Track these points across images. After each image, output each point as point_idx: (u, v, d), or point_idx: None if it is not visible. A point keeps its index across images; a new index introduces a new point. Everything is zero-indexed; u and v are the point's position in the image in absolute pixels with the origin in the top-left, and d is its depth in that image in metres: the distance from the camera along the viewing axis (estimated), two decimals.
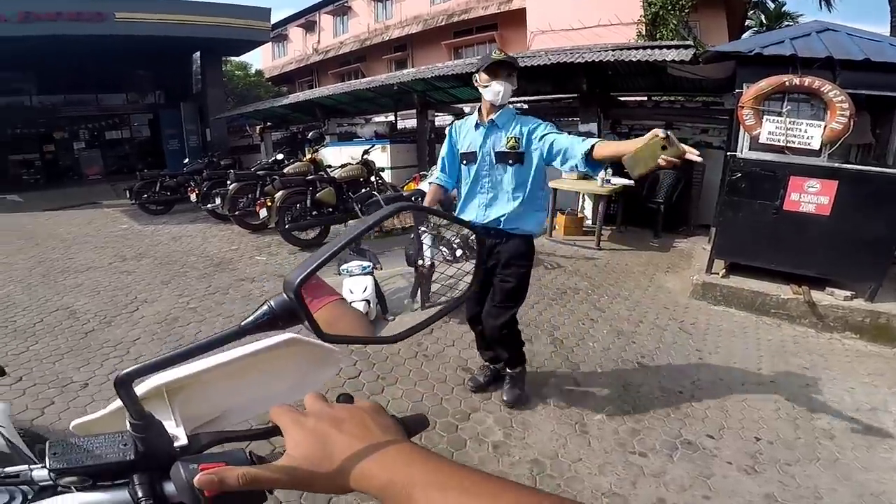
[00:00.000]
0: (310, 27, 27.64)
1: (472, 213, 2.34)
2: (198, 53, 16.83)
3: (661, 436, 2.38)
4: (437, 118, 10.98)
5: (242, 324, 0.43)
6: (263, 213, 5.72)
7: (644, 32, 12.03)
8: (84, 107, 18.54)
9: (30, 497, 0.54)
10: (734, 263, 4.35)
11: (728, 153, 4.71)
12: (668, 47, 5.92)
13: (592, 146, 1.86)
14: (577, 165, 1.94)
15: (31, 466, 0.50)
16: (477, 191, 2.34)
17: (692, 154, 1.52)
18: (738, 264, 4.32)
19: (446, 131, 2.48)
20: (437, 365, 3.00)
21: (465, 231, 0.53)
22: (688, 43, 6.47)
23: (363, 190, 6.14)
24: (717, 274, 4.33)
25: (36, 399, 2.63)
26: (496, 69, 2.16)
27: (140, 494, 0.44)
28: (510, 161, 2.23)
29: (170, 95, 18.38)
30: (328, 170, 6.51)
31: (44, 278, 5.04)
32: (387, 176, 8.61)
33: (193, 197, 7.54)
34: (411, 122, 11.39)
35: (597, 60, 5.99)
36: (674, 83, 6.68)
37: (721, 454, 2.26)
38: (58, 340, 3.42)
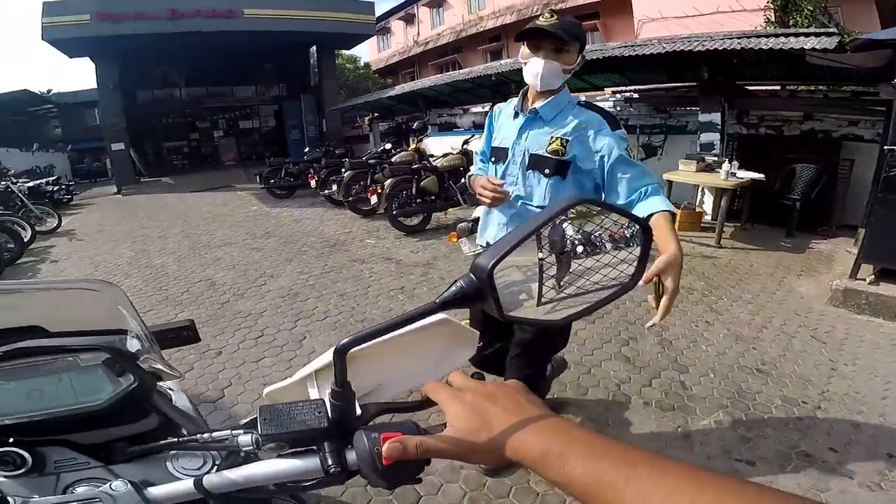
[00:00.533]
0: (409, 20, 28.53)
1: (491, 231, 1.72)
2: (314, 47, 17.95)
3: (775, 446, 2.15)
4: None
5: (438, 300, 0.46)
6: (374, 199, 6.05)
7: (773, 19, 10.69)
8: (222, 98, 21.03)
9: (217, 462, 0.58)
10: (885, 269, 3.76)
11: (885, 147, 4.07)
12: (807, 35, 5.24)
13: (650, 215, 1.41)
14: None
15: (234, 432, 0.53)
16: (505, 203, 1.66)
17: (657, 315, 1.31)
18: (891, 270, 3.73)
19: (488, 114, 1.86)
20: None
21: (615, 222, 0.52)
22: (830, 30, 5.64)
23: (462, 179, 6.27)
24: (864, 280, 3.75)
25: (179, 363, 2.93)
26: (539, 40, 1.46)
27: (330, 462, 0.47)
28: (547, 171, 1.53)
29: (291, 88, 20.10)
30: (430, 159, 6.74)
31: (190, 251, 5.85)
32: None
33: (313, 183, 8.18)
34: None
35: (720, 49, 5.46)
36: (812, 72, 5.84)
37: (842, 469, 2.00)
38: (199, 309, 3.91)
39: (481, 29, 22.77)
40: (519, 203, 1.62)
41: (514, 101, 1.66)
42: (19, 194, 7.97)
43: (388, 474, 0.44)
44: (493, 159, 1.73)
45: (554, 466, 0.39)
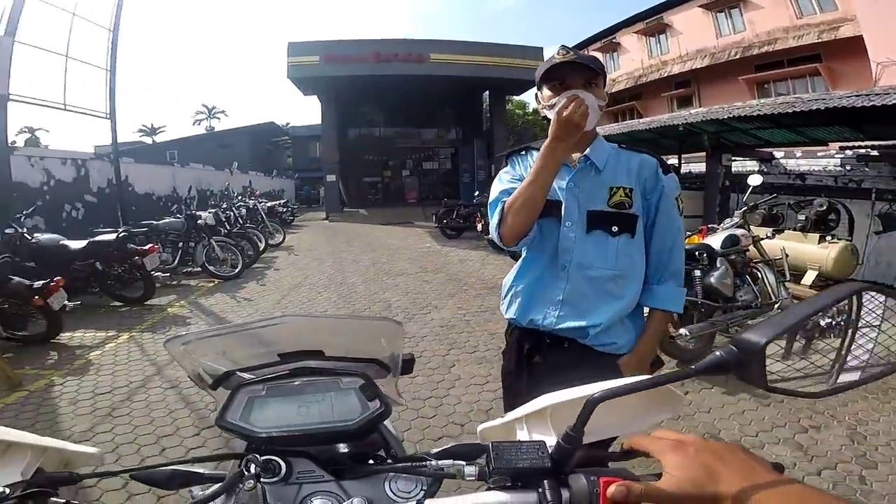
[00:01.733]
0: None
1: (537, 311, 1.31)
2: (487, 92, 19.12)
3: None
4: (734, 163, 9.76)
5: (695, 367, 0.49)
6: None
7: None
8: (410, 139, 23.50)
9: (424, 488, 0.62)
10: None
11: None
12: None
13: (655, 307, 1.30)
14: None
15: (457, 462, 0.58)
16: (552, 272, 1.29)
17: None
18: None
19: (503, 165, 1.46)
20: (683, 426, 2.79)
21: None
22: None
23: None
24: None
25: None
26: (564, 79, 1.21)
27: (549, 498, 0.49)
28: (615, 228, 1.24)
29: (465, 132, 21.58)
30: None
31: (375, 276, 6.81)
32: None
33: (479, 227, 8.79)
34: (698, 167, 10.40)
35: None
36: None
37: None
38: None
39: (665, 74, 21.60)
40: (577, 272, 1.25)
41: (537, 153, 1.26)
42: (261, 212, 10.31)
43: None
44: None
45: None
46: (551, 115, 1.16)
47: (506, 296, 1.40)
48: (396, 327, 0.72)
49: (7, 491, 0.52)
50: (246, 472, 0.58)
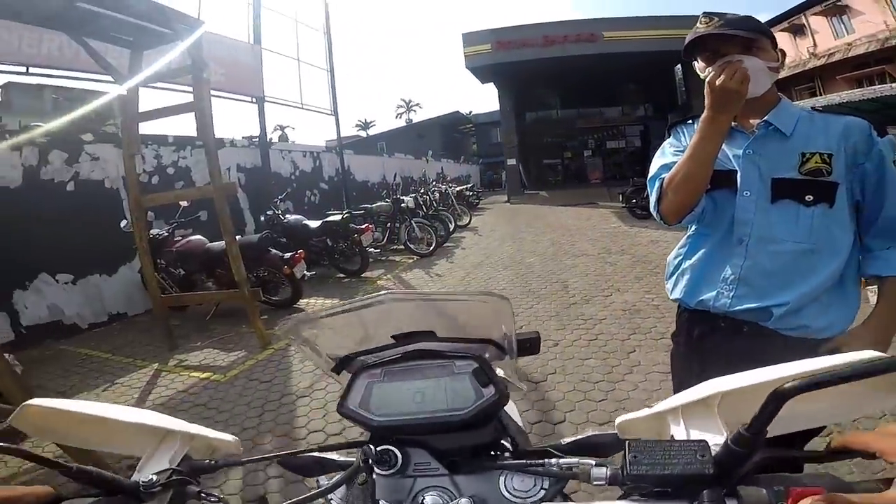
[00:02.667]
0: (796, 31, 23.71)
1: (709, 289, 1.19)
2: (679, 66, 17.26)
3: None
4: None
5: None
6: None
7: None
8: (591, 119, 22.82)
9: (545, 487, 0.57)
10: None
11: None
12: None
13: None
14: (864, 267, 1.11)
15: (584, 461, 0.52)
16: (727, 247, 1.17)
17: None
18: None
19: (667, 136, 1.36)
20: None
21: None
22: None
23: None
24: None
25: None
26: (716, 49, 1.08)
27: None
28: (809, 197, 1.08)
29: (658, 107, 19.83)
30: None
31: (553, 257, 6.84)
32: None
33: None
34: None
35: None
36: None
37: None
38: (551, 305, 4.60)
39: None
40: (758, 246, 1.13)
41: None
42: (451, 196, 11.22)
43: None
44: (708, 187, 1.17)
45: None
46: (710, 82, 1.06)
47: (672, 275, 1.30)
48: (502, 303, 0.64)
49: (154, 478, 0.54)
50: (361, 464, 0.56)
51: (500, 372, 0.67)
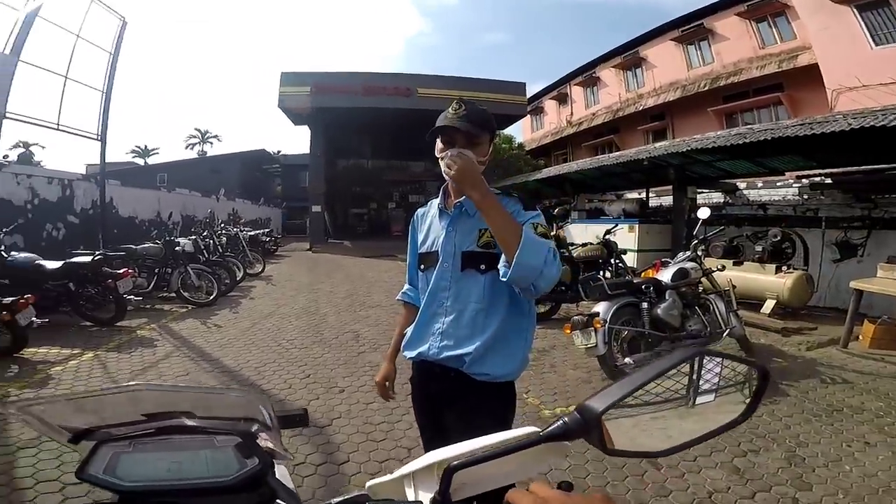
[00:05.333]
0: (562, 99, 27.90)
1: (423, 343, 1.48)
2: None
3: None
4: (699, 195, 9.91)
5: (542, 433, 0.54)
6: None
7: None
8: (397, 172, 23.72)
9: None
10: None
11: None
12: None
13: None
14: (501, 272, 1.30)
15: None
16: (434, 309, 1.47)
17: None
18: None
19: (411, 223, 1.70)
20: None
21: (732, 368, 0.62)
22: None
23: (599, 272, 6.26)
24: None
25: (309, 392, 3.65)
26: (451, 135, 1.38)
27: None
28: (482, 266, 1.39)
29: None
30: (570, 247, 6.87)
31: (348, 307, 6.89)
32: (632, 259, 8.36)
33: None
34: (669, 199, 10.59)
35: None
36: None
37: None
38: (339, 354, 4.62)
39: (640, 108, 21.90)
40: (453, 307, 1.42)
41: (436, 201, 1.55)
42: (242, 241, 10.39)
43: None
44: (421, 267, 1.54)
45: None
46: (442, 166, 1.34)
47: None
48: (260, 397, 0.69)
49: None
50: None
51: (266, 444, 0.68)
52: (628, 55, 23.02)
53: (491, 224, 1.25)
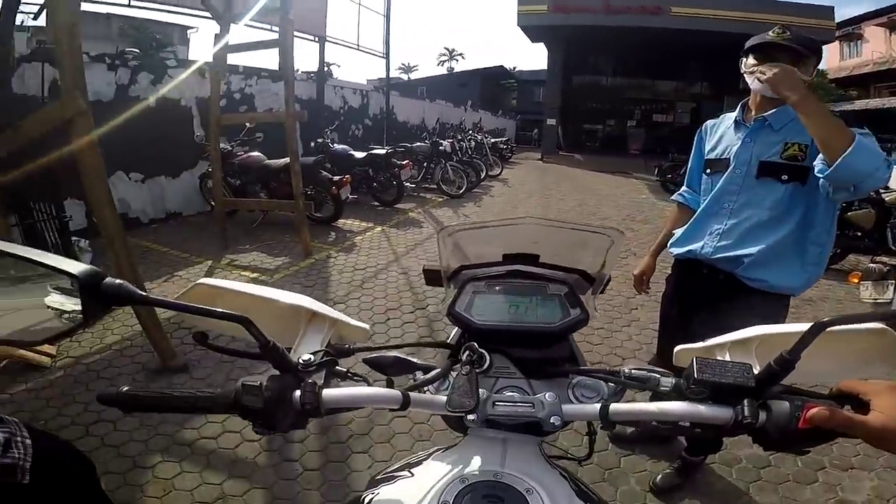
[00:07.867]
0: (894, 27, 21.78)
1: (696, 241, 1.56)
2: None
3: None
4: None
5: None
6: None
7: None
8: (641, 90, 22.12)
9: (605, 396, 0.64)
10: None
11: None
12: None
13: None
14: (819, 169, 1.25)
15: (654, 372, 0.59)
16: (715, 211, 1.53)
17: None
18: None
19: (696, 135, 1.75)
20: None
21: None
22: None
23: None
24: None
25: None
26: (772, 53, 1.35)
27: (747, 414, 0.49)
28: (785, 176, 1.40)
29: (714, 87, 18.97)
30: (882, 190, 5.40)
31: (577, 216, 7.15)
32: None
33: None
34: None
35: None
36: None
37: None
38: None
39: None
40: (739, 210, 1.48)
41: (731, 114, 1.58)
42: (486, 146, 11.39)
43: (797, 437, 0.48)
44: (707, 171, 1.60)
45: None
46: (750, 80, 1.39)
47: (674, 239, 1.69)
48: (619, 236, 0.76)
49: (311, 358, 0.59)
50: (463, 359, 0.61)
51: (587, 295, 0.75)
52: None
53: (812, 125, 1.23)
